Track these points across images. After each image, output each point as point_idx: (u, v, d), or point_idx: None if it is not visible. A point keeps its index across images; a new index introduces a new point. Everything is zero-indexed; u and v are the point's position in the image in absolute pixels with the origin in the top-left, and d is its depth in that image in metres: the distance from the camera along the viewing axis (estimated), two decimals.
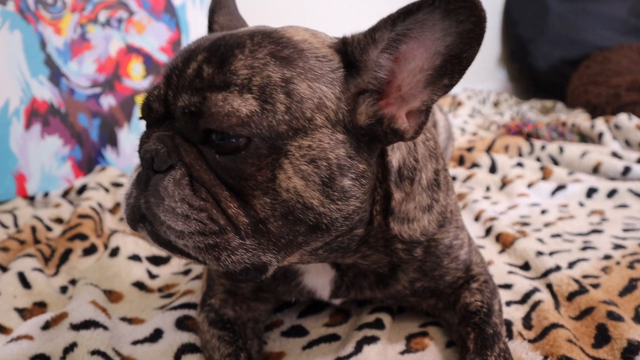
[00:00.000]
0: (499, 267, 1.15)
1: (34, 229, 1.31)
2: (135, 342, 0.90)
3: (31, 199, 1.59)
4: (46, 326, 0.89)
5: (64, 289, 1.09)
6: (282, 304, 1.00)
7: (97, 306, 0.92)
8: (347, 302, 0.98)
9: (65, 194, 1.58)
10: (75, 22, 1.70)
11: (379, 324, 0.91)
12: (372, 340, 0.86)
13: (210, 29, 0.82)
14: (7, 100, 1.54)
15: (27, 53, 1.59)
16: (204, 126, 0.57)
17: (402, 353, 0.87)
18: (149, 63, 1.88)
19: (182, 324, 0.92)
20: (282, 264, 0.65)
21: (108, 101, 1.77)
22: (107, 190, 1.53)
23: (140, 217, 0.60)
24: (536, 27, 3.18)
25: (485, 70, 3.44)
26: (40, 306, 1.01)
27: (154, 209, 0.57)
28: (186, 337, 0.89)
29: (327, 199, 0.60)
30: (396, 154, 0.72)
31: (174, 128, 0.61)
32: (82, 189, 1.57)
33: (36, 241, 1.29)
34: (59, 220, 1.41)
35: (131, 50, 1.83)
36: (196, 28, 2.02)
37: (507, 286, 1.06)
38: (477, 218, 1.42)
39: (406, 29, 0.58)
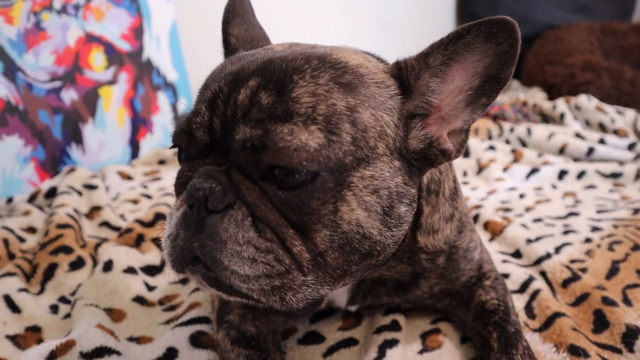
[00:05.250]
0: (493, 256, 1.19)
1: (6, 242, 1.22)
2: None
3: None
4: (52, 357, 0.83)
5: (54, 308, 1.03)
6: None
7: (105, 330, 0.87)
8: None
9: (31, 199, 1.47)
10: (28, 10, 1.55)
11: (395, 326, 0.92)
12: (393, 343, 0.87)
13: (226, 42, 0.77)
14: None
15: None
16: (269, 162, 0.54)
17: (421, 352, 0.89)
18: (111, 52, 1.76)
19: (197, 340, 0.89)
20: (334, 290, 0.64)
21: (70, 95, 1.65)
22: (80, 193, 1.44)
23: (191, 260, 0.56)
24: (490, 4, 3.24)
25: None
26: (34, 331, 0.95)
27: (215, 253, 0.54)
28: (204, 355, 0.86)
29: (385, 227, 0.60)
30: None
31: (229, 162, 0.57)
32: (51, 193, 1.47)
33: (10, 255, 1.20)
34: (31, 229, 1.32)
35: (91, 39, 1.70)
36: (158, 13, 1.91)
37: (505, 275, 1.10)
38: None
39: (454, 52, 0.59)
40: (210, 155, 0.59)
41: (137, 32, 1.84)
